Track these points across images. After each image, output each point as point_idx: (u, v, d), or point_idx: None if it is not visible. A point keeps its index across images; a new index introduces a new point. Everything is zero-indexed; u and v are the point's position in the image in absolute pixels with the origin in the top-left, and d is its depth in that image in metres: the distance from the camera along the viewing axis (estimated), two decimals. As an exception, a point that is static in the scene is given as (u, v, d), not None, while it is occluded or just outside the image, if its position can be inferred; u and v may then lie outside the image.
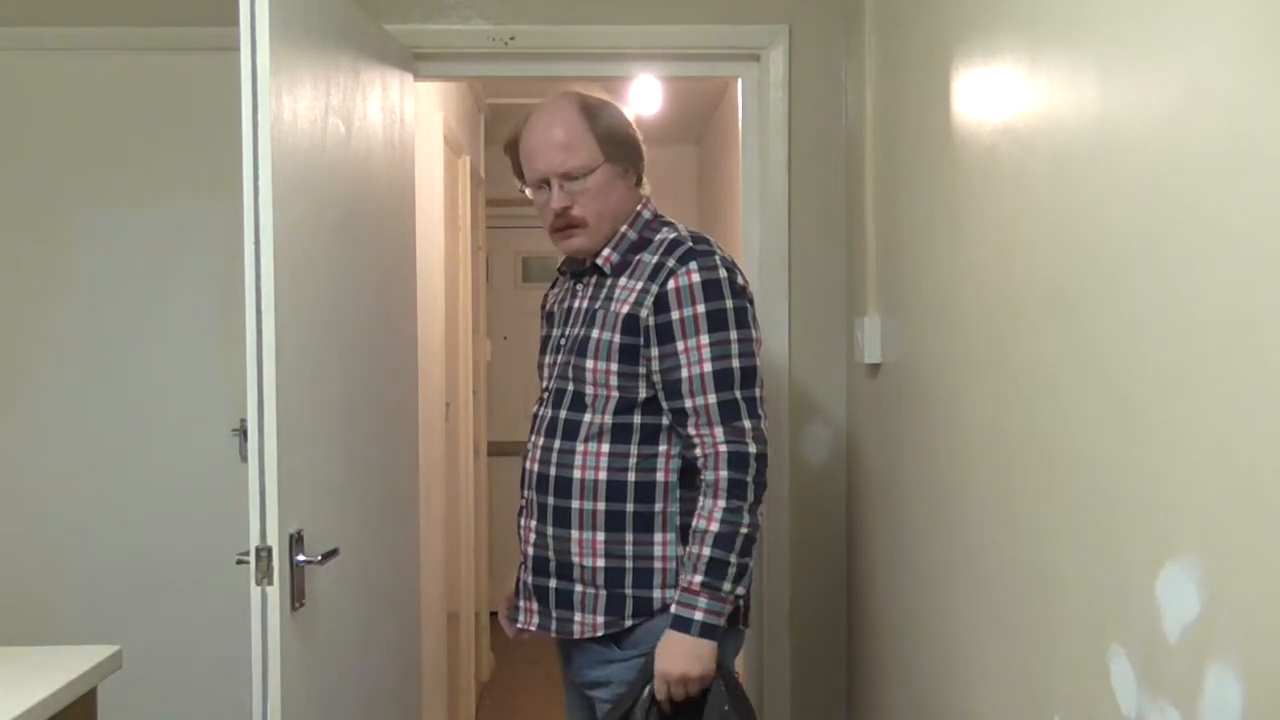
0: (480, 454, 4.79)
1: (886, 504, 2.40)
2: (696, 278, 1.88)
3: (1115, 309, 1.22)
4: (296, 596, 1.94)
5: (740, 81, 2.96)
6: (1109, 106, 1.25)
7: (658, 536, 1.90)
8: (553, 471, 1.95)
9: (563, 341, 2.01)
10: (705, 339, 1.86)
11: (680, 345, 1.87)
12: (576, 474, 1.92)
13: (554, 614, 1.96)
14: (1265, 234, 0.93)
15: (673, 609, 1.83)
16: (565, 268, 2.11)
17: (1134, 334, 1.18)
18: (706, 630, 1.80)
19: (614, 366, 1.90)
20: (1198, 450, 1.05)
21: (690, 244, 1.93)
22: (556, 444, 1.95)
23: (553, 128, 1.96)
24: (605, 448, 1.91)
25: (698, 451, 1.86)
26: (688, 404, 1.86)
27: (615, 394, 1.91)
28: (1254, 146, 0.96)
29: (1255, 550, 0.95)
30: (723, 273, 1.90)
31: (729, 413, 1.85)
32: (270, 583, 1.87)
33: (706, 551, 1.81)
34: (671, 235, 1.96)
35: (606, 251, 1.97)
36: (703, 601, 1.81)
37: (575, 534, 1.92)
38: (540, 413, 2.02)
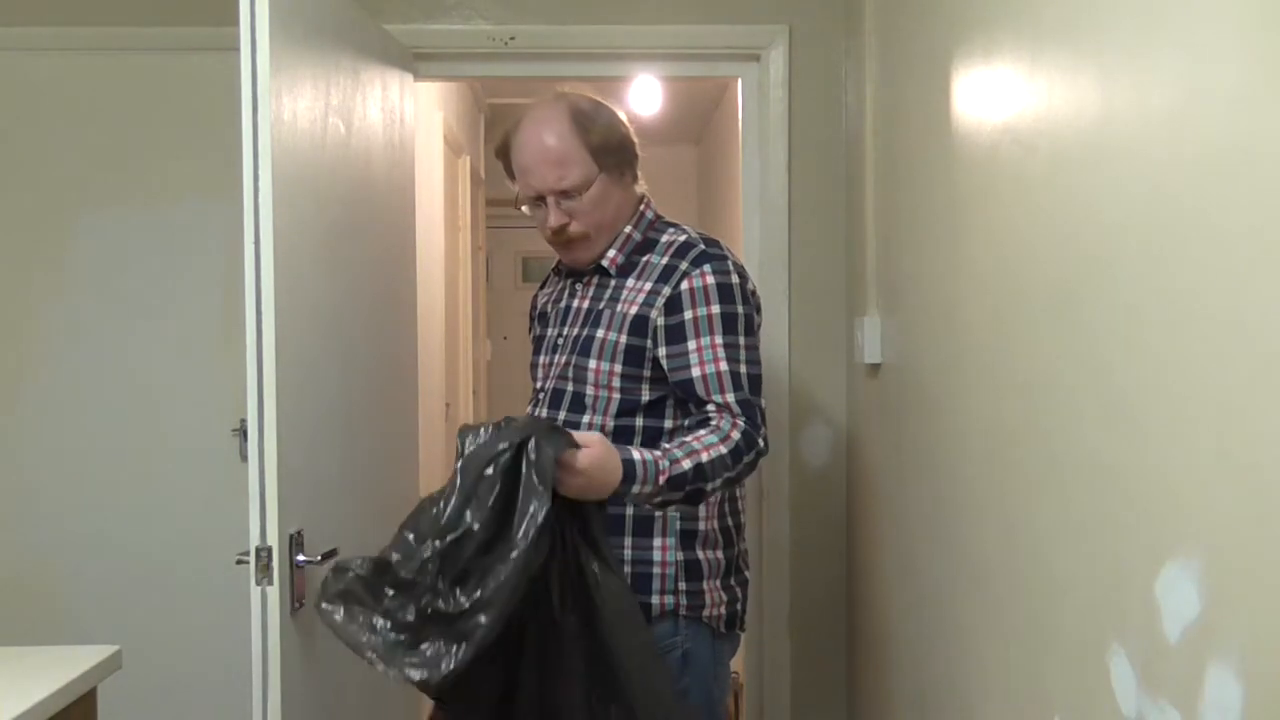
0: (480, 454, 4.78)
1: (887, 504, 2.40)
2: (711, 280, 1.86)
3: (1115, 308, 1.22)
4: (296, 596, 1.94)
5: (740, 81, 2.96)
6: (1109, 106, 1.25)
7: (657, 541, 1.88)
8: None
9: (560, 341, 1.98)
10: (719, 339, 1.84)
11: (692, 344, 1.84)
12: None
13: None
14: (1265, 233, 0.93)
15: (643, 456, 1.67)
16: (562, 266, 2.08)
17: (1134, 333, 1.18)
18: (627, 480, 1.64)
19: (617, 368, 1.88)
20: (1198, 450, 1.05)
21: (703, 246, 1.91)
22: None
23: (545, 142, 1.91)
24: None
25: (713, 418, 1.80)
26: (705, 398, 1.82)
27: (617, 396, 1.88)
28: (1254, 146, 0.95)
29: (1255, 550, 0.95)
30: (735, 278, 1.89)
31: (748, 411, 1.82)
32: (270, 583, 1.87)
33: (686, 465, 1.70)
34: (682, 238, 1.94)
35: (612, 253, 1.95)
36: (663, 484, 1.67)
37: None
38: (535, 414, 1.99)
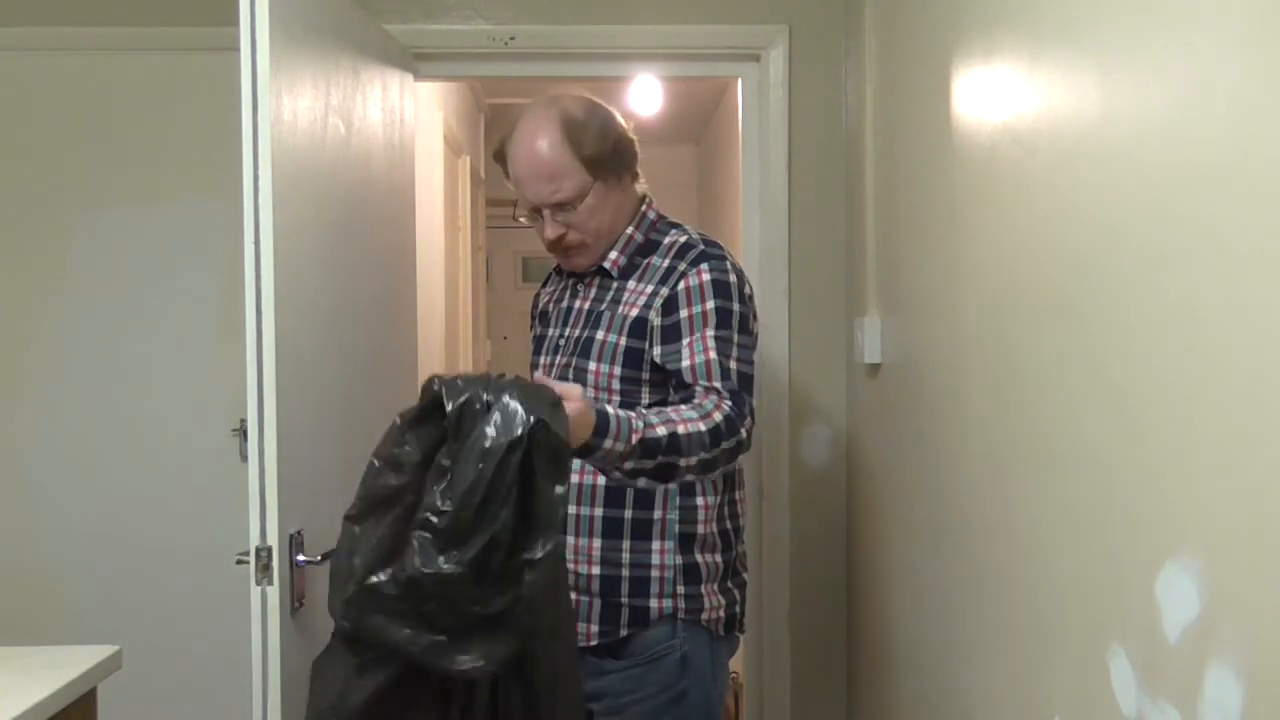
0: (480, 454, 4.78)
1: (887, 504, 2.40)
2: (707, 276, 1.85)
3: (1115, 308, 1.22)
4: (296, 596, 1.94)
5: (740, 81, 2.96)
6: (1109, 106, 1.25)
7: (655, 544, 1.87)
8: None
9: (561, 342, 1.97)
10: (711, 332, 1.82)
11: (686, 339, 1.83)
12: (573, 478, 1.86)
13: None
14: (1264, 233, 0.93)
15: (617, 413, 1.59)
16: (564, 267, 2.08)
17: (1134, 333, 1.18)
18: (600, 433, 1.55)
19: (617, 370, 1.87)
20: (1197, 450, 1.05)
21: (703, 247, 1.90)
22: None
23: (537, 156, 1.88)
24: None
25: (696, 399, 1.75)
26: (690, 381, 1.78)
27: (617, 398, 1.87)
28: (1254, 146, 0.95)
29: (1255, 550, 0.95)
30: (733, 277, 1.88)
31: (737, 400, 1.77)
32: (270, 583, 1.87)
33: (680, 429, 1.63)
34: (683, 239, 1.93)
35: (613, 255, 1.94)
36: (635, 445, 1.58)
37: (571, 540, 1.87)
38: None
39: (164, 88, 2.80)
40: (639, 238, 1.95)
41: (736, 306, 1.86)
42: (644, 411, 1.65)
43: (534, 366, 2.05)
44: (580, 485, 1.88)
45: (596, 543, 1.87)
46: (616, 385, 1.87)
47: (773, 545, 2.85)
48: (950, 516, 1.88)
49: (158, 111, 2.79)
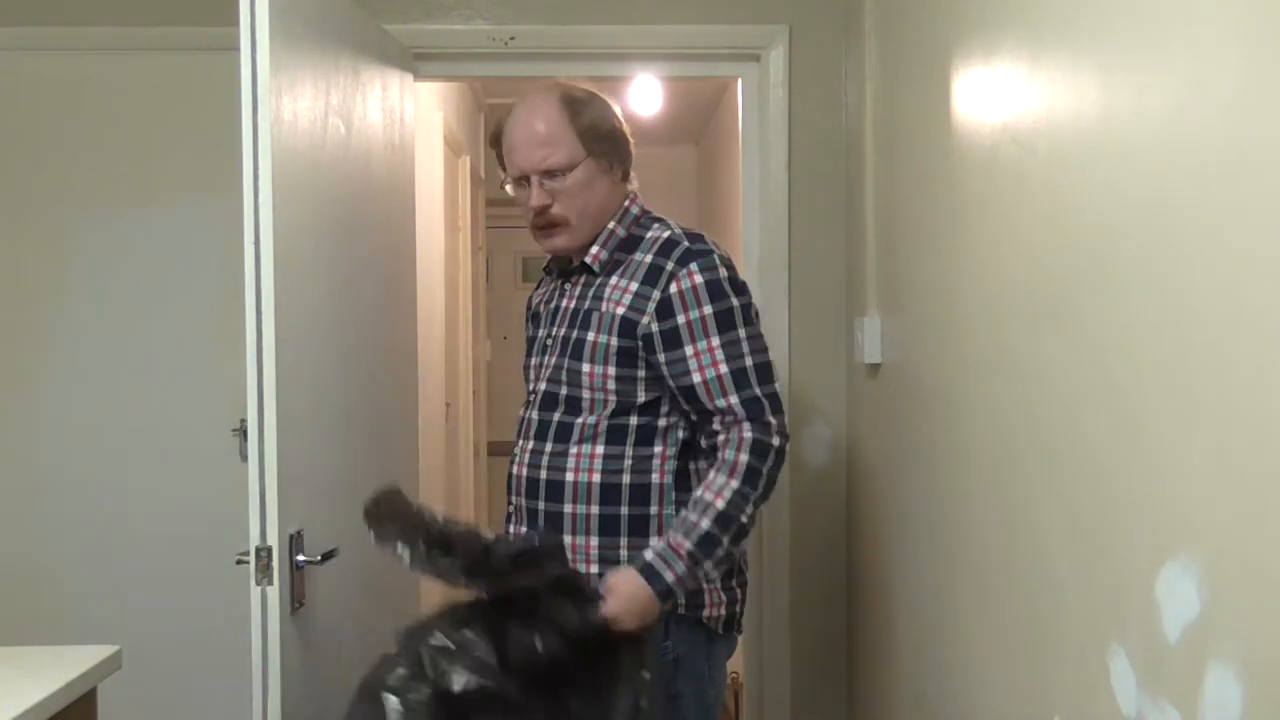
0: (480, 454, 4.80)
1: (887, 504, 2.40)
2: (699, 279, 1.85)
3: (1115, 309, 1.22)
4: (296, 597, 1.94)
5: (740, 81, 2.96)
6: (1109, 107, 1.25)
7: (652, 541, 1.86)
8: (543, 475, 1.90)
9: (549, 343, 1.96)
10: (716, 340, 1.83)
11: (690, 350, 1.83)
12: (569, 477, 1.87)
13: None
14: (1264, 233, 0.93)
15: (647, 556, 1.75)
16: (552, 266, 2.07)
17: (1133, 334, 1.18)
18: (667, 595, 1.75)
19: (612, 370, 1.87)
20: (1197, 450, 1.05)
21: (687, 244, 1.89)
22: (548, 447, 1.90)
23: (533, 123, 1.92)
24: (600, 450, 1.87)
25: (720, 437, 1.83)
26: (709, 405, 1.83)
27: (613, 398, 1.87)
28: (1254, 146, 0.95)
29: (1255, 550, 0.95)
30: (723, 271, 1.88)
31: (754, 410, 1.82)
32: (270, 583, 1.87)
33: (705, 524, 1.76)
34: (665, 234, 1.92)
35: (595, 249, 1.93)
36: (681, 567, 1.74)
37: (568, 539, 1.87)
38: (528, 416, 1.97)
39: (164, 88, 2.80)
40: (621, 232, 1.95)
41: (735, 301, 1.86)
42: (679, 517, 1.79)
43: (526, 368, 2.06)
44: (575, 484, 1.88)
45: (594, 540, 1.87)
46: (612, 385, 1.87)
47: (773, 545, 2.84)
48: (950, 516, 1.88)
49: (158, 111, 2.79)
